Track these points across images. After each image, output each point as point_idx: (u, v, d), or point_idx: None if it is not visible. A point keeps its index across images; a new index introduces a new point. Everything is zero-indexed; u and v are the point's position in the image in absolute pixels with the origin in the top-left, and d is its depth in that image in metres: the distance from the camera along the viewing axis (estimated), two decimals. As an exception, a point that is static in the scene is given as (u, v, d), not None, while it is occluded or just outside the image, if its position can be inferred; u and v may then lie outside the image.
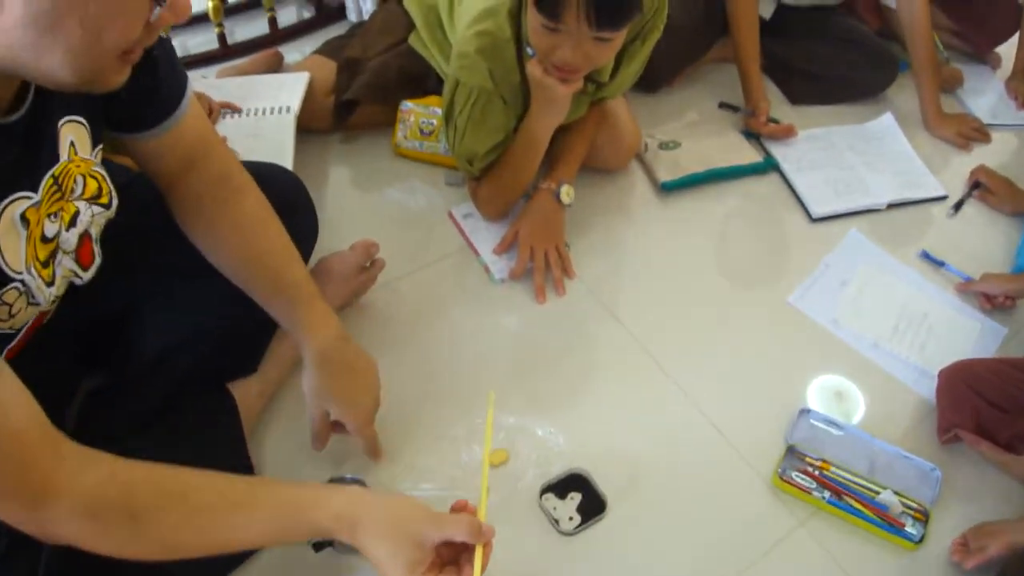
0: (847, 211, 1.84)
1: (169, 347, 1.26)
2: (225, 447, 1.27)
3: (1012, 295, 1.67)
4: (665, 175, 1.83)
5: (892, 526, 1.35)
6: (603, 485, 1.34)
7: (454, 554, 0.96)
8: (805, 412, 1.47)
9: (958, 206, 1.89)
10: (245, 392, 1.33)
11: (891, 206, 1.87)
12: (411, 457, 1.36)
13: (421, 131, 1.80)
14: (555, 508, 1.32)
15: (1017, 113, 2.20)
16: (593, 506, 1.32)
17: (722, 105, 2.06)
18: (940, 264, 1.75)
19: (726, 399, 1.50)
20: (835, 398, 1.52)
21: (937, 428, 1.47)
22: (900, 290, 1.69)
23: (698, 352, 1.56)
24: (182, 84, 1.11)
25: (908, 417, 1.51)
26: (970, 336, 1.63)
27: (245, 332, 1.32)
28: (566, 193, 1.62)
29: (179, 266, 1.21)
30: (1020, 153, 2.11)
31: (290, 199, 1.37)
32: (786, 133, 1.96)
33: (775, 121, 1.97)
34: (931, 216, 1.88)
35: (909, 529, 1.35)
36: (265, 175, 1.27)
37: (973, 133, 2.09)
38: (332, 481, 1.27)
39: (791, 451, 1.42)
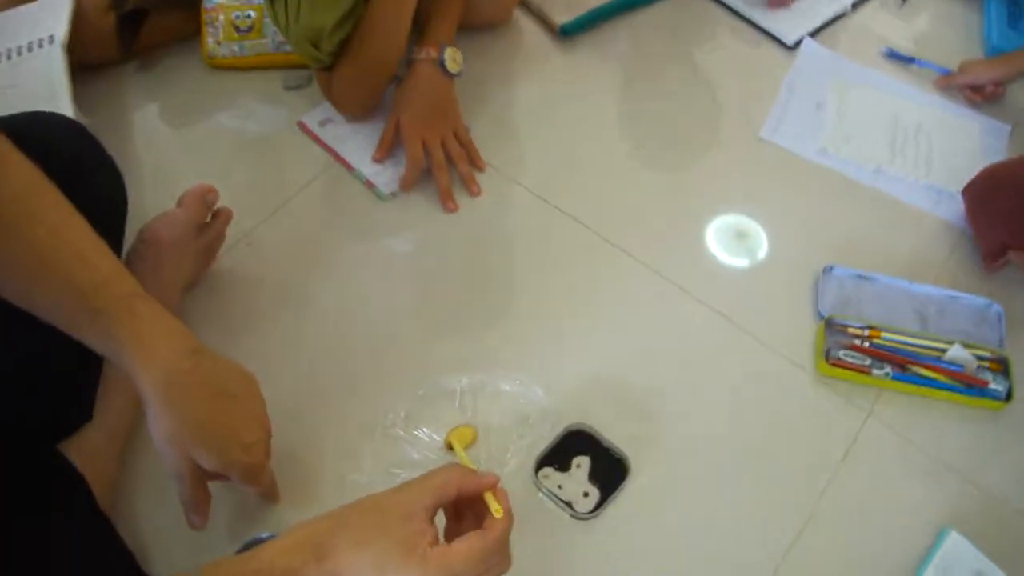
0: (819, 26, 1.46)
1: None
2: (83, 540, 0.81)
3: (1000, 81, 1.36)
4: (562, 17, 1.40)
5: (974, 387, 1.03)
6: (614, 437, 0.97)
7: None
8: (828, 271, 1.13)
9: (904, -8, 1.56)
10: (87, 449, 0.87)
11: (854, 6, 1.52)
12: (339, 468, 0.94)
13: (237, 29, 1.31)
14: (560, 486, 0.93)
15: None
16: (611, 469, 0.95)
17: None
18: (910, 61, 1.42)
19: (726, 279, 1.14)
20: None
21: (982, 254, 1.16)
22: (883, 101, 1.35)
23: (671, 226, 1.19)
24: None
25: (937, 250, 1.19)
26: (973, 139, 1.32)
27: (62, 369, 0.86)
28: (452, 59, 1.18)
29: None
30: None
31: (72, 155, 0.91)
32: None
33: None
34: (877, 12, 1.54)
35: (993, 386, 1.04)
36: (27, 128, 0.84)
37: None
38: (248, 546, 0.85)
39: (829, 325, 1.07)
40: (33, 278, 0.72)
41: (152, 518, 0.90)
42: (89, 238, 0.75)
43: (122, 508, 0.90)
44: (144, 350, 0.72)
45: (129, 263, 0.96)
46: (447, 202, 1.17)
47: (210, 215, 1.06)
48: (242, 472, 0.79)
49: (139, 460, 0.93)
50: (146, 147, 1.25)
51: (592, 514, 0.92)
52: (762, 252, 1.17)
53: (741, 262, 1.16)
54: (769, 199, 1.23)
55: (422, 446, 0.95)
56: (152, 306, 0.74)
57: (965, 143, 1.31)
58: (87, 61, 1.28)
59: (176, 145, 1.26)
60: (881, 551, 0.93)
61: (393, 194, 1.19)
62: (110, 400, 0.90)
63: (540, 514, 0.92)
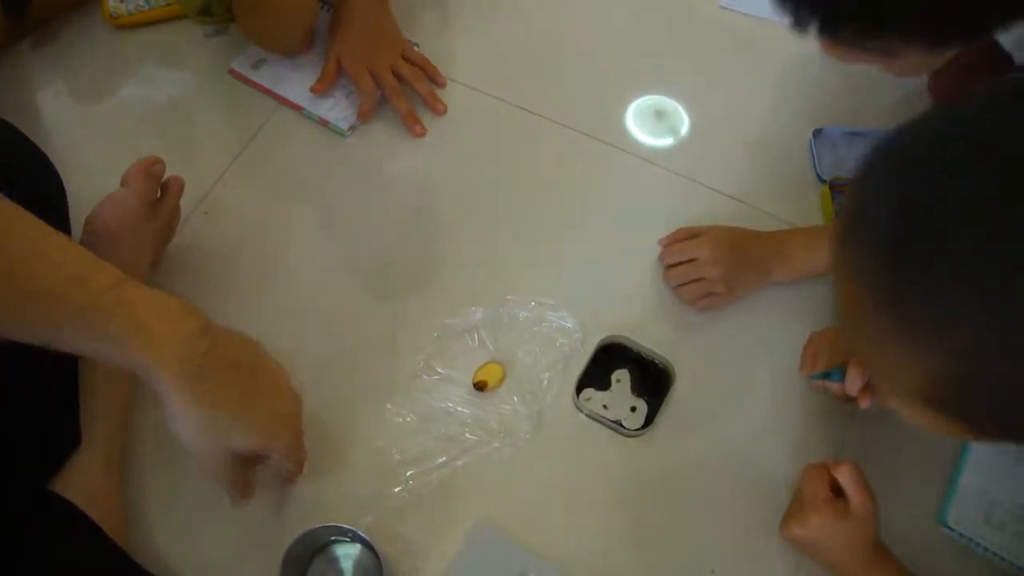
0: None
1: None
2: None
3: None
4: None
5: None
6: (649, 342, 0.88)
7: None
8: (818, 133, 1.04)
9: None
10: (85, 484, 0.74)
11: None
12: (365, 433, 0.83)
13: (137, -20, 1.12)
14: (605, 406, 0.84)
15: None
16: (653, 378, 0.86)
17: None
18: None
19: (721, 158, 1.03)
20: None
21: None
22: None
23: (654, 114, 1.07)
24: None
25: (916, 95, 1.11)
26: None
27: (40, 392, 0.73)
28: (384, -23, 1.03)
29: None
30: None
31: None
32: None
33: None
34: None
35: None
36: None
37: None
38: (318, 542, 0.75)
39: (832, 187, 0.99)
40: None
41: (173, 540, 0.78)
42: (44, 232, 0.61)
43: (138, 541, 0.78)
44: (150, 342, 0.60)
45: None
46: (413, 126, 1.03)
47: (159, 190, 0.91)
48: (285, 447, 0.69)
49: (139, 483, 0.81)
50: (61, 130, 1.06)
51: (644, 429, 0.83)
52: (749, 124, 1.07)
53: (728, 137, 1.05)
54: (741, 69, 1.12)
55: (451, 392, 0.85)
56: (142, 290, 0.61)
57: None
58: (-27, 47, 1.08)
59: (95, 122, 1.07)
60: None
61: (353, 128, 1.04)
62: (97, 426, 0.77)
63: (590, 439, 0.84)
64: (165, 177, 0.91)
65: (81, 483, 0.73)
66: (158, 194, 0.89)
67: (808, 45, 1.12)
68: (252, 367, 0.66)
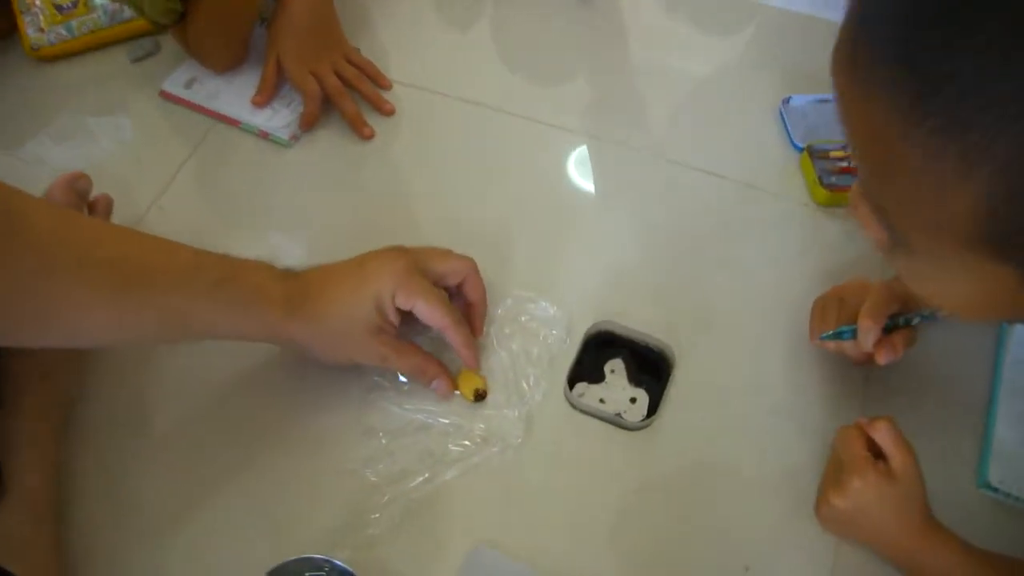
0: None
1: None
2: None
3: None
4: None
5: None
6: (644, 327, 0.76)
7: None
8: (787, 102, 0.96)
9: None
10: (14, 544, 0.61)
11: None
12: (334, 458, 0.70)
13: (60, 9, 1.00)
14: (602, 400, 0.72)
15: None
16: (652, 365, 0.75)
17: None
18: None
19: (690, 136, 0.94)
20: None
21: None
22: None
23: (608, 94, 0.98)
24: None
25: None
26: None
27: None
28: (324, -26, 0.93)
29: None
30: None
31: None
32: None
33: None
34: None
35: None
36: None
37: None
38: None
39: (812, 154, 0.90)
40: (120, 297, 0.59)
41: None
42: (128, 229, 0.66)
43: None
44: (270, 302, 0.65)
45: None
46: (361, 128, 0.92)
47: (87, 209, 0.78)
48: (469, 266, 0.74)
49: (86, 535, 0.67)
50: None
51: (647, 420, 0.72)
52: (717, 100, 0.98)
53: (692, 116, 0.97)
54: (703, 47, 1.04)
55: (426, 402, 0.73)
56: (240, 258, 0.66)
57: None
58: None
59: (20, 163, 0.94)
60: (951, 359, 0.77)
61: (295, 137, 0.93)
62: (24, 479, 0.63)
63: (589, 438, 0.72)
64: (93, 195, 0.79)
65: (6, 539, 0.60)
66: (84, 212, 0.78)
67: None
68: (329, 271, 0.69)
